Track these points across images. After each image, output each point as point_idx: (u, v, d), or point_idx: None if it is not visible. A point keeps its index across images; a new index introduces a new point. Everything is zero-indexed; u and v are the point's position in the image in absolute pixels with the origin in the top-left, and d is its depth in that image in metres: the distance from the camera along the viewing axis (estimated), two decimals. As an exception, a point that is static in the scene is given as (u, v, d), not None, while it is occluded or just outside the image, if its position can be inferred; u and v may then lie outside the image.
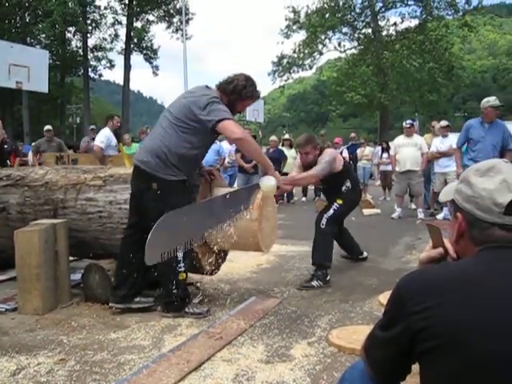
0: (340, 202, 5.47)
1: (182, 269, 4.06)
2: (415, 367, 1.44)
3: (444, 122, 10.69)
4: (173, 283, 4.06)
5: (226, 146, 11.77)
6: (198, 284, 5.06)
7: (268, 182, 4.08)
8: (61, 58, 39.05)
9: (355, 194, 5.75)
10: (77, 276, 4.89)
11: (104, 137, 9.67)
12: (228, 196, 4.10)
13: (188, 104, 4.03)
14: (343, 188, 5.58)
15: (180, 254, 3.99)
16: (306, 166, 5.51)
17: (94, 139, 12.87)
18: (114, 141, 10.04)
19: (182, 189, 4.04)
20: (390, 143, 12.74)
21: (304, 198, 14.34)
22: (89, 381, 2.97)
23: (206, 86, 4.23)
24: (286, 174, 9.42)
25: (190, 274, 4.68)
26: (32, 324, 3.97)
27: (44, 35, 37.85)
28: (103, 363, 3.22)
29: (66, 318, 4.09)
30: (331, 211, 5.40)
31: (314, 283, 5.05)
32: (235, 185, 11.65)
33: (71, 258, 4.87)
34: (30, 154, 13.93)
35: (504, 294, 1.30)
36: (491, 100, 7.49)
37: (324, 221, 5.31)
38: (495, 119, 7.53)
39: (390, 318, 1.46)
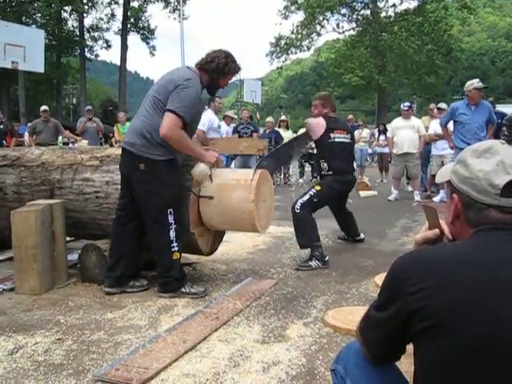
0: (318, 188, 5.46)
1: (176, 248, 4.06)
2: (410, 347, 1.45)
3: (441, 105, 10.69)
4: (167, 263, 4.08)
5: (223, 128, 11.75)
6: (195, 264, 5.08)
7: (197, 168, 4.14)
8: (57, 37, 38.67)
9: (336, 182, 5.59)
10: (74, 256, 4.90)
11: (206, 119, 9.31)
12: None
13: (165, 84, 4.05)
14: (322, 166, 5.61)
15: (172, 234, 4.01)
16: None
17: (90, 119, 12.86)
18: (215, 123, 9.92)
19: (169, 168, 4.03)
20: (388, 125, 12.72)
21: (301, 180, 14.34)
22: (86, 360, 2.98)
23: (187, 67, 4.24)
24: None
25: (186, 255, 4.71)
26: (29, 304, 3.98)
27: (40, 14, 37.44)
28: (100, 343, 3.24)
29: (63, 298, 4.11)
30: (306, 196, 5.37)
31: (312, 263, 5.07)
32: (232, 166, 11.65)
33: (68, 239, 4.87)
34: (26, 135, 13.89)
35: (499, 276, 1.30)
36: (475, 82, 7.83)
37: (298, 205, 5.29)
38: (480, 100, 7.74)
39: (386, 298, 1.47)
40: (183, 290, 4.14)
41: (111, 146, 13.58)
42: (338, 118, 6.03)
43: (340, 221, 6.24)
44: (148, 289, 4.32)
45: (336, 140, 5.58)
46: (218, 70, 4.18)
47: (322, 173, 5.64)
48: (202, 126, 9.09)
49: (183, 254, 4.36)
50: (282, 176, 13.66)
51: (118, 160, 4.63)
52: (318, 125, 5.57)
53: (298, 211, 5.27)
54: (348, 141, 5.72)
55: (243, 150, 10.51)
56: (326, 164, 5.58)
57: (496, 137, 8.06)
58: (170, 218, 4.02)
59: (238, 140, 11.38)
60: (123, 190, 4.24)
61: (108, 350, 3.12)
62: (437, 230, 1.65)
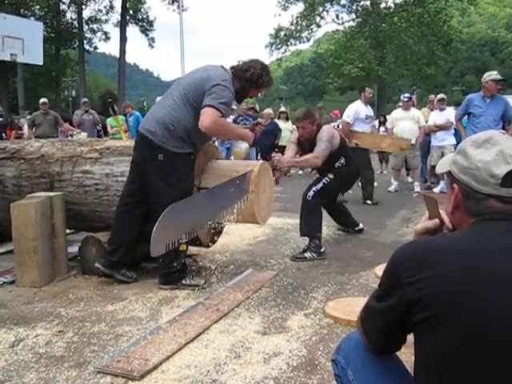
0: (331, 176, 5.43)
1: (184, 240, 4.07)
2: (410, 337, 1.45)
3: (440, 96, 10.65)
4: (173, 254, 4.08)
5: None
6: (195, 256, 5.09)
7: (242, 146, 4.18)
8: (55, 29, 38.60)
9: (349, 171, 5.67)
10: (74, 249, 4.90)
11: (352, 110, 8.95)
12: (226, 185, 4.15)
13: (200, 81, 4.03)
14: (336, 164, 5.54)
15: None
16: (302, 141, 5.51)
17: (87, 112, 12.83)
18: (362, 113, 9.06)
19: (187, 161, 4.06)
20: (388, 116, 12.69)
21: (301, 171, 14.32)
22: (87, 352, 2.99)
23: (221, 67, 4.21)
24: (282, 147, 9.42)
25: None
26: (30, 296, 3.99)
27: (38, 6, 37.37)
28: (101, 335, 3.24)
29: (64, 291, 4.11)
30: (320, 184, 5.37)
31: (307, 254, 5.08)
32: (231, 158, 11.64)
33: (68, 231, 4.88)
34: (26, 128, 13.87)
35: (498, 267, 1.31)
36: (493, 74, 7.55)
37: (311, 193, 5.29)
38: (496, 93, 7.54)
39: (386, 288, 1.47)
40: (184, 281, 4.15)
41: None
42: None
43: (335, 216, 6.25)
44: (136, 281, 4.32)
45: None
46: (251, 80, 4.19)
47: (336, 165, 5.55)
48: (346, 116, 8.93)
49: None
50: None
51: (118, 152, 4.64)
52: (335, 135, 5.52)
53: (310, 198, 5.27)
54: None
55: (385, 147, 10.06)
56: (342, 160, 5.55)
57: None
58: None
59: (380, 136, 11.01)
60: (133, 177, 4.23)
61: (109, 342, 3.13)
62: (437, 220, 1.65)
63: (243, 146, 4.26)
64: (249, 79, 4.18)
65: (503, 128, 7.39)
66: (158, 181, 4.03)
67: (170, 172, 3.99)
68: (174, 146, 3.98)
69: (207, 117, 3.87)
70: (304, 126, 5.41)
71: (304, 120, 5.42)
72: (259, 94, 4.64)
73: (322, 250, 5.19)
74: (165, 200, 4.01)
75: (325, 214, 6.20)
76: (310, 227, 5.25)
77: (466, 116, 7.88)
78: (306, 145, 5.45)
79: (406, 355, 2.16)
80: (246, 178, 4.14)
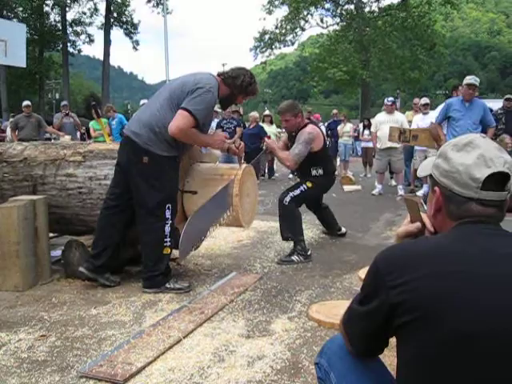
0: (309, 184, 5.42)
1: (168, 243, 4.08)
2: (393, 340, 1.46)
3: (424, 100, 10.73)
4: (157, 257, 4.09)
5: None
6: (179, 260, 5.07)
7: (212, 155, 4.22)
8: (39, 32, 38.34)
9: (327, 180, 5.62)
10: (57, 252, 4.87)
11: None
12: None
13: (186, 83, 4.05)
14: (313, 172, 5.48)
15: (168, 229, 4.04)
16: (290, 137, 5.56)
17: (67, 115, 12.76)
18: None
19: (172, 165, 4.06)
20: (372, 120, 12.76)
21: (291, 175, 14.33)
22: (70, 356, 2.97)
23: (210, 74, 4.22)
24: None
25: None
26: (12, 300, 3.95)
27: (21, 8, 37.08)
28: (84, 339, 3.22)
29: (47, 295, 4.08)
30: (298, 191, 5.35)
31: (294, 258, 5.09)
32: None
33: (51, 235, 4.84)
34: (9, 130, 13.75)
35: (479, 270, 1.32)
36: (468, 78, 7.71)
37: (288, 198, 5.27)
38: (473, 98, 7.68)
39: (368, 292, 1.47)
40: (168, 285, 4.14)
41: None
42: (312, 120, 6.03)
43: (319, 216, 6.26)
44: (120, 285, 4.31)
45: (327, 143, 5.58)
46: (241, 87, 4.25)
47: (313, 174, 5.49)
48: (435, 118, 8.36)
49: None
50: (266, 170, 13.67)
51: (101, 155, 4.62)
52: (318, 138, 5.44)
53: (287, 203, 5.27)
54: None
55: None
56: (320, 170, 5.48)
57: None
58: (168, 213, 4.05)
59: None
60: (117, 180, 4.21)
61: (92, 346, 3.11)
62: (419, 224, 1.66)
63: (214, 156, 4.29)
64: (238, 87, 4.23)
65: (483, 132, 7.46)
66: (142, 184, 4.02)
67: (155, 175, 3.98)
68: (159, 149, 3.98)
69: (178, 122, 3.89)
70: (287, 119, 5.39)
71: (285, 113, 5.38)
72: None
73: (309, 252, 5.20)
74: (149, 203, 4.00)
75: (308, 217, 6.24)
76: (291, 232, 5.26)
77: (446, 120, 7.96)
78: (293, 138, 5.44)
79: (389, 358, 2.18)
80: (227, 191, 4.16)
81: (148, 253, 4.17)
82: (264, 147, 5.38)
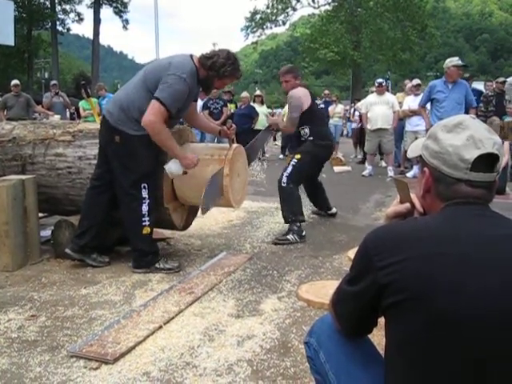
0: (298, 156, 5.48)
1: (147, 223, 4.06)
2: (382, 320, 1.47)
3: (416, 81, 10.73)
4: (137, 237, 4.09)
5: (198, 102, 11.62)
6: (169, 239, 5.08)
7: (172, 167, 4.06)
8: (27, 10, 37.83)
9: (317, 147, 5.57)
10: (47, 232, 4.85)
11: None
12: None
13: (161, 67, 3.99)
14: (302, 133, 5.59)
15: (145, 208, 4.02)
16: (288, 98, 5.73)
17: (57, 94, 12.65)
18: None
19: (145, 144, 3.95)
20: (362, 101, 12.74)
21: (281, 156, 14.34)
22: (60, 336, 2.98)
23: (190, 56, 4.09)
24: (257, 130, 9.46)
25: (161, 230, 4.70)
26: (1, 281, 3.94)
27: (9, -15, 36.54)
28: (74, 319, 3.23)
29: (37, 275, 4.08)
30: (290, 168, 5.42)
31: (290, 237, 5.11)
32: (205, 141, 11.57)
33: (41, 215, 4.82)
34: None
35: (467, 251, 1.32)
36: (454, 60, 7.80)
37: (284, 179, 5.34)
38: (458, 79, 7.74)
39: (357, 272, 1.48)
40: (157, 265, 4.15)
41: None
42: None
43: (310, 193, 6.25)
44: (109, 265, 4.30)
45: (319, 106, 5.70)
46: (213, 68, 4.02)
47: (302, 139, 5.61)
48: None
49: (159, 229, 4.34)
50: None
51: (91, 135, 4.60)
52: (307, 95, 5.58)
53: (285, 185, 5.31)
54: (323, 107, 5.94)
55: None
56: (307, 130, 5.57)
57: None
58: (144, 193, 4.01)
59: None
60: (99, 160, 4.22)
61: (82, 326, 3.12)
62: (408, 204, 1.66)
63: (173, 169, 4.08)
64: (211, 67, 4.02)
65: (465, 113, 7.52)
66: (116, 164, 4.02)
67: (127, 155, 3.97)
68: (129, 128, 3.96)
69: (150, 114, 3.83)
70: (287, 80, 5.62)
71: (287, 74, 5.64)
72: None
73: (304, 233, 5.22)
74: (124, 183, 4.00)
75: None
76: (291, 213, 5.29)
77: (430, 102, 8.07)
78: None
79: (378, 337, 2.20)
80: (217, 180, 4.12)
81: (130, 235, 4.19)
82: (267, 124, 5.67)
